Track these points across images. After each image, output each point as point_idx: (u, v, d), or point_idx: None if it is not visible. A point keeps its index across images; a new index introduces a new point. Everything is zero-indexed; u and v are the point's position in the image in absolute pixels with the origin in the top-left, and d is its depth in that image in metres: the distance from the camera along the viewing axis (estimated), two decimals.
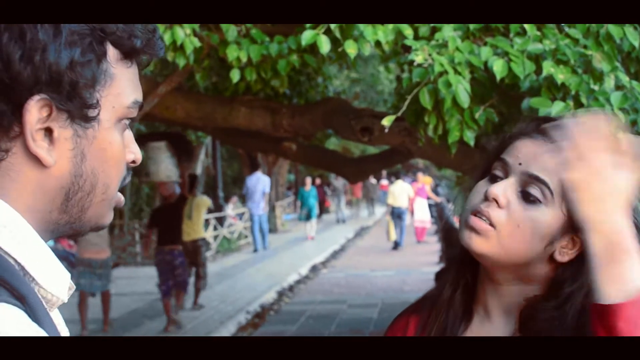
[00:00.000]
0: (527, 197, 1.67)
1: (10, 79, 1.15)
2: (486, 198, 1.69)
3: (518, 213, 1.66)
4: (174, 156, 12.95)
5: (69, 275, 1.29)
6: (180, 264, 12.49)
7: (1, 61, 1.15)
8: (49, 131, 1.20)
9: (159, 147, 13.28)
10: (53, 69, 1.16)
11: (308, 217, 28.66)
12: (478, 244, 1.67)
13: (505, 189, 1.68)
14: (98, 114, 1.23)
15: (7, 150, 1.19)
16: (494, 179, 1.72)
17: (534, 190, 1.66)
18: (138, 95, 1.31)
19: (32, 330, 1.08)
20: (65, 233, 1.31)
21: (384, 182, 36.46)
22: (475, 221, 1.68)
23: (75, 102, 1.20)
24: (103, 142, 1.25)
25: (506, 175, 1.71)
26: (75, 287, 1.33)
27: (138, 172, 12.15)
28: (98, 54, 1.22)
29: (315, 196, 29.51)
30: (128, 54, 1.28)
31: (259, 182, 24.06)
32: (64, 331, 1.30)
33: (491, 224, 1.67)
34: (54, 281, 1.24)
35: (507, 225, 1.66)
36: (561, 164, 1.52)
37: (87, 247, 11.80)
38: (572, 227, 1.63)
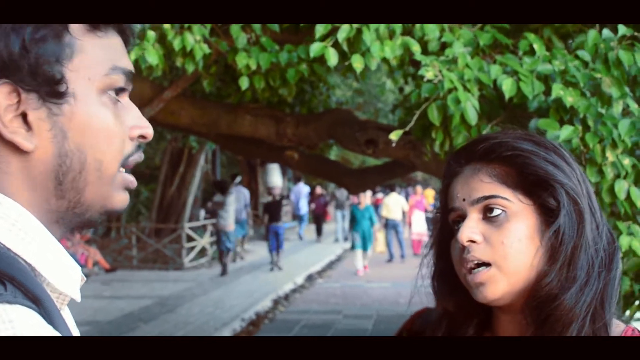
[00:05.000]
0: (492, 218, 1.70)
1: None
2: (463, 247, 1.71)
3: (495, 235, 1.69)
4: (281, 172, 28.06)
5: (79, 268, 1.28)
6: (282, 233, 22.32)
7: None
8: (24, 116, 1.19)
9: (273, 167, 28.60)
10: (4, 54, 1.16)
11: (362, 245, 21.81)
12: (490, 291, 1.69)
13: (470, 227, 1.71)
14: (67, 88, 1.21)
15: None
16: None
17: (493, 207, 1.70)
18: (118, 62, 1.29)
19: (47, 332, 1.08)
20: (73, 222, 1.29)
21: (379, 195, 35.12)
22: (473, 278, 1.70)
23: (39, 80, 1.18)
24: (84, 116, 1.23)
25: (464, 216, 1.74)
26: (86, 279, 1.33)
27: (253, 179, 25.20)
28: (55, 28, 1.21)
29: (371, 217, 22.10)
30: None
31: (302, 190, 33.06)
32: (74, 330, 1.29)
33: (485, 263, 1.69)
34: (65, 279, 1.23)
35: (496, 252, 1.68)
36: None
37: (221, 222, 20.52)
38: (542, 208, 1.70)
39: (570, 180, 1.70)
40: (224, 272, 20.63)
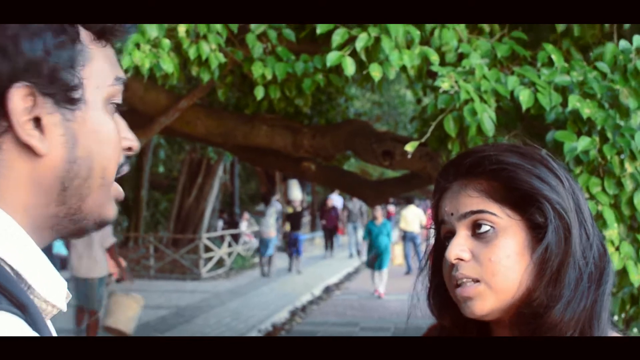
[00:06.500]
0: (481, 235, 1.67)
1: None
2: (452, 264, 1.68)
3: (484, 252, 1.65)
4: (301, 187, 30.84)
5: (65, 283, 1.26)
6: (301, 240, 24.98)
7: None
8: (37, 121, 1.18)
9: (294, 182, 30.24)
10: (28, 57, 1.16)
11: (377, 264, 19.31)
12: (478, 307, 1.66)
13: (459, 244, 1.68)
14: (82, 95, 1.22)
15: None
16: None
17: (481, 223, 1.67)
18: (119, 72, 1.31)
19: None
20: (67, 229, 1.28)
21: (391, 207, 33.66)
22: (461, 292, 1.67)
23: (56, 85, 1.19)
24: (93, 124, 1.24)
25: (453, 232, 1.71)
26: (71, 295, 1.30)
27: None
28: (71, 35, 1.21)
29: (389, 233, 19.57)
30: (100, 33, 1.28)
31: (336, 201, 33.26)
32: None
33: (473, 280, 1.66)
34: (51, 289, 1.21)
35: (484, 270, 1.65)
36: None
37: (264, 231, 23.04)
38: (530, 223, 1.65)
39: (557, 194, 1.65)
40: (263, 272, 23.23)
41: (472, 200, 1.68)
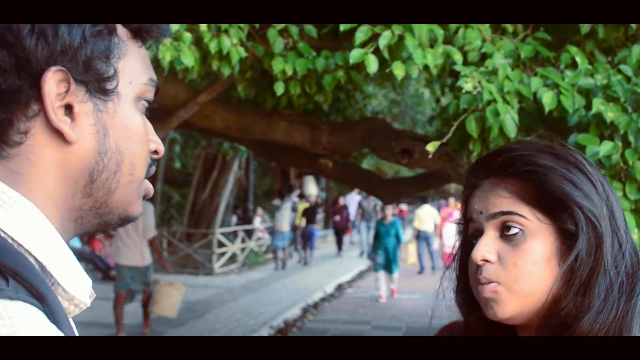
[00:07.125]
0: (509, 237, 1.63)
1: (24, 51, 1.13)
2: (478, 265, 1.65)
3: (510, 255, 1.62)
4: (316, 181, 35.10)
5: (90, 281, 1.24)
6: (314, 234, 26.66)
7: (12, 36, 1.13)
8: (69, 108, 1.18)
9: (309, 179, 34.44)
10: (66, 42, 1.16)
11: (387, 268, 17.94)
12: (501, 310, 1.62)
13: (486, 245, 1.64)
14: (116, 86, 1.22)
15: (26, 131, 1.17)
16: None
17: (510, 224, 1.63)
18: (152, 75, 1.30)
19: (49, 331, 1.03)
20: (91, 223, 1.27)
21: (403, 206, 33.00)
22: (482, 291, 1.64)
23: (91, 73, 1.19)
24: (124, 118, 1.24)
25: (482, 231, 1.68)
26: (95, 295, 1.28)
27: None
28: (109, 26, 1.22)
29: (397, 233, 17.93)
30: (137, 32, 1.28)
31: (354, 200, 35.03)
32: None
33: (494, 282, 1.62)
34: (76, 284, 1.19)
35: (507, 274, 1.61)
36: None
37: (278, 225, 24.12)
38: (561, 229, 1.61)
39: (590, 201, 1.60)
40: (276, 266, 24.16)
41: (503, 200, 1.64)
